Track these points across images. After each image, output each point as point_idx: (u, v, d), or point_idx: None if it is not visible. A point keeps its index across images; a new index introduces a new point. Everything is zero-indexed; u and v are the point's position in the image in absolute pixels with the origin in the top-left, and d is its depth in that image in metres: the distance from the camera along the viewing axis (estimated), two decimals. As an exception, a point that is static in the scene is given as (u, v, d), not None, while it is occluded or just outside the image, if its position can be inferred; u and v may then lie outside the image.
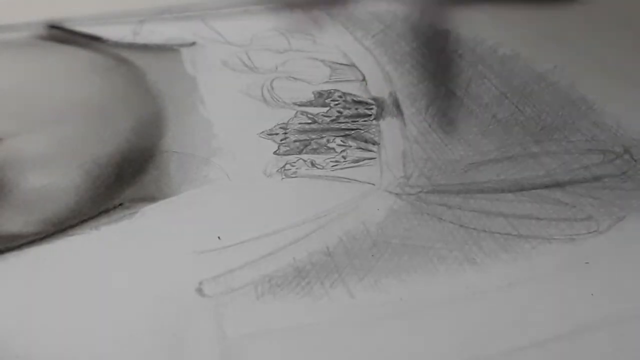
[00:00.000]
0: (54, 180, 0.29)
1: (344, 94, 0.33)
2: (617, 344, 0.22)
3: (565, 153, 0.29)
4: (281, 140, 0.30)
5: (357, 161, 0.29)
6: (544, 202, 0.27)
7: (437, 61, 0.27)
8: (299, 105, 0.32)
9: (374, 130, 0.31)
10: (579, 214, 0.26)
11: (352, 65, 0.34)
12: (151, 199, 0.28)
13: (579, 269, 0.24)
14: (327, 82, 0.33)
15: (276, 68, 0.34)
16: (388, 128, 0.31)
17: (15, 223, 0.27)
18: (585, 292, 0.23)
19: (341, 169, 0.29)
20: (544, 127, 0.30)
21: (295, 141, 0.30)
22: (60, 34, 0.37)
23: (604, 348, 0.22)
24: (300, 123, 0.31)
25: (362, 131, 0.31)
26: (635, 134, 0.30)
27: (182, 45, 0.36)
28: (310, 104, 0.32)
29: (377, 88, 0.33)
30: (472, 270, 0.24)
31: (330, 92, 0.33)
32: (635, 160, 0.28)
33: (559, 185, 0.28)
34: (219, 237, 0.26)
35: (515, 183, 0.28)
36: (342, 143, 0.30)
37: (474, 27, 0.36)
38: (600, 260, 0.25)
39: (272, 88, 0.33)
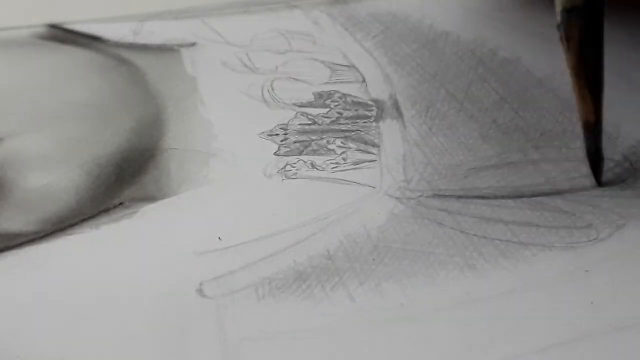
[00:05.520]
0: (54, 180, 0.29)
1: (345, 95, 0.33)
2: (618, 352, 0.22)
3: (565, 160, 0.29)
4: (281, 141, 0.30)
5: (358, 163, 0.29)
6: (544, 210, 0.27)
7: None
8: (300, 107, 0.32)
9: (374, 132, 0.31)
10: (579, 222, 0.26)
11: (353, 67, 0.34)
12: (151, 199, 0.28)
13: (579, 277, 0.24)
14: (327, 83, 0.34)
15: (277, 69, 0.34)
16: (388, 130, 0.31)
17: (15, 222, 0.27)
18: (586, 301, 0.23)
19: (341, 171, 0.29)
20: (543, 133, 0.30)
21: (295, 142, 0.30)
22: (61, 34, 0.36)
23: (604, 356, 0.22)
24: (300, 124, 0.31)
25: (363, 133, 0.31)
26: (635, 141, 0.29)
27: (182, 46, 0.36)
28: (310, 105, 0.32)
29: (378, 90, 0.33)
30: (472, 277, 0.24)
31: (330, 94, 0.33)
32: (635, 169, 0.28)
33: (559, 192, 0.28)
34: (219, 238, 0.26)
35: (515, 190, 0.28)
36: (342, 145, 0.30)
37: (473, 29, 0.36)
38: (601, 268, 0.25)
39: (273, 89, 0.33)
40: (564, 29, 0.26)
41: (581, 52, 0.26)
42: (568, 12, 0.26)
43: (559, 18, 0.27)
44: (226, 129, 0.31)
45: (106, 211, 0.27)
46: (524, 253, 0.25)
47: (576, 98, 0.27)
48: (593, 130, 0.27)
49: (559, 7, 0.26)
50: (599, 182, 0.28)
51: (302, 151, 0.30)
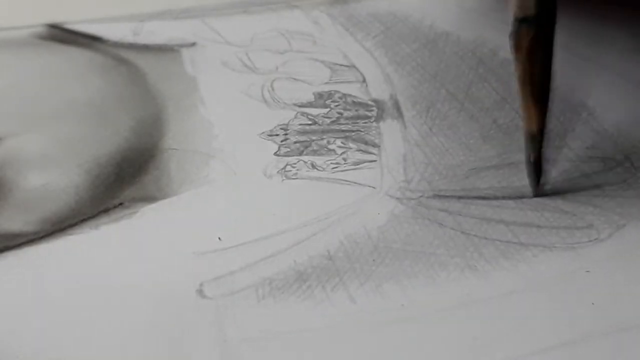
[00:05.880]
0: (53, 179, 0.29)
1: (345, 95, 0.33)
2: (618, 352, 0.22)
3: (566, 160, 0.29)
4: (281, 141, 0.30)
5: (358, 163, 0.29)
6: (544, 210, 0.27)
7: None
8: (300, 106, 0.32)
9: (374, 132, 0.31)
10: (580, 222, 0.26)
11: (353, 67, 0.34)
12: (151, 198, 0.28)
13: (579, 277, 0.24)
14: (327, 83, 0.34)
15: (276, 69, 0.34)
16: (388, 130, 0.31)
17: (14, 222, 0.27)
18: (586, 301, 0.23)
19: (342, 171, 0.29)
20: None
21: (295, 142, 0.30)
22: (60, 34, 0.36)
23: (605, 356, 0.22)
24: (300, 124, 0.31)
25: (363, 133, 0.31)
26: (636, 141, 0.29)
27: (182, 46, 0.36)
28: (310, 105, 0.32)
29: (378, 90, 0.33)
30: (473, 277, 0.24)
31: (330, 94, 0.33)
32: (635, 168, 0.28)
33: (559, 193, 0.28)
34: (219, 238, 0.26)
35: (516, 190, 0.28)
36: (342, 145, 0.30)
37: (473, 29, 0.36)
38: (601, 268, 0.25)
39: (273, 89, 0.33)
40: (514, 38, 0.26)
41: (529, 61, 0.26)
42: (520, 21, 0.26)
43: (510, 27, 0.26)
44: (226, 128, 0.31)
45: (106, 211, 0.27)
46: (525, 253, 0.25)
47: (520, 107, 0.27)
48: (535, 140, 0.27)
49: (510, 16, 0.26)
50: (536, 194, 0.28)
51: (302, 151, 0.30)
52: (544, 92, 0.27)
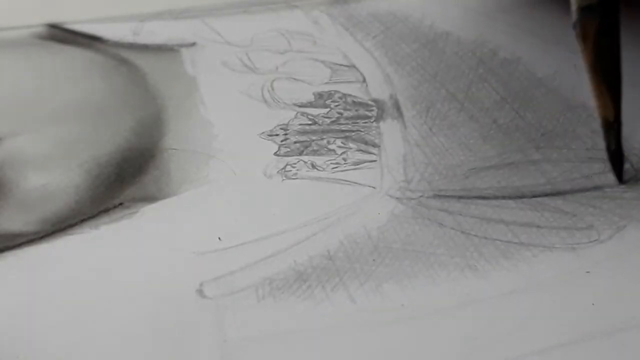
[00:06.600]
0: (53, 179, 0.29)
1: (345, 95, 0.33)
2: (618, 353, 0.22)
3: (566, 161, 0.29)
4: (281, 141, 0.30)
5: (358, 163, 0.29)
6: (544, 210, 0.27)
7: None
8: (300, 106, 0.32)
9: (374, 132, 0.31)
10: (580, 222, 0.26)
11: (353, 67, 0.34)
12: (151, 198, 0.28)
13: (579, 277, 0.24)
14: (327, 83, 0.34)
15: (276, 69, 0.34)
16: (388, 130, 0.31)
17: (14, 222, 0.27)
18: (586, 301, 0.24)
19: (342, 171, 0.29)
20: (544, 133, 0.30)
21: (295, 142, 0.30)
22: (60, 34, 0.36)
23: (605, 357, 0.22)
24: (300, 124, 0.31)
25: (363, 133, 0.31)
26: (636, 142, 0.29)
27: (182, 46, 0.36)
28: (310, 105, 0.32)
29: (378, 90, 0.33)
30: (473, 277, 0.24)
31: (330, 94, 0.33)
32: (635, 170, 0.28)
33: (559, 193, 0.28)
34: (219, 238, 0.26)
35: (516, 190, 0.28)
36: (342, 145, 0.30)
37: (473, 29, 0.36)
38: (601, 269, 0.25)
39: (273, 89, 0.33)
40: (580, 27, 0.26)
41: (597, 48, 0.27)
42: (583, 9, 0.26)
43: (574, 16, 0.27)
44: (226, 128, 0.31)
45: (106, 211, 0.27)
46: (525, 253, 0.25)
47: (594, 95, 0.27)
48: (612, 127, 0.27)
49: (574, 6, 0.27)
50: (620, 180, 0.28)
51: (302, 151, 0.30)
52: (615, 77, 0.27)
